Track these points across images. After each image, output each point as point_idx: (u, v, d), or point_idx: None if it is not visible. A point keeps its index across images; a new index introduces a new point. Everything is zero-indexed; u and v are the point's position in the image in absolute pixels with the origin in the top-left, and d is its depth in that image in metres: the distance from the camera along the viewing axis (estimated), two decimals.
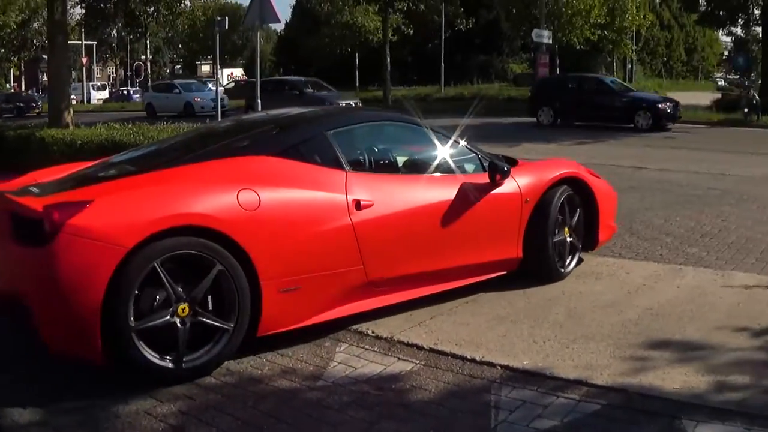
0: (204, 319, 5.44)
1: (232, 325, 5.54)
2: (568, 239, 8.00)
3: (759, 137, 27.43)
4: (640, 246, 9.64)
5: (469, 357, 5.78)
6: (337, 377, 5.50)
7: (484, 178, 7.26)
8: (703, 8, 53.40)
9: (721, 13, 51.62)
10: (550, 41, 40.78)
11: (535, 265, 7.69)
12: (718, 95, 47.47)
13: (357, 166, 6.77)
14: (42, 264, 5.10)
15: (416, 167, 7.34)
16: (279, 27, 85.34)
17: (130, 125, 15.49)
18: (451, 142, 7.50)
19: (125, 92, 69.87)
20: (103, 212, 5.21)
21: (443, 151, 7.39)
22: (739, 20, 53.40)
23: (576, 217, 8.09)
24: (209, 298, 5.50)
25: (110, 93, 76.13)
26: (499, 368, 5.58)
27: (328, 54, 65.83)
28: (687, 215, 11.73)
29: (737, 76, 74.72)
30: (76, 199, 5.32)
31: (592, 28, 50.95)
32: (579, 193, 8.10)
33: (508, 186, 7.39)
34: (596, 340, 6.10)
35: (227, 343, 5.53)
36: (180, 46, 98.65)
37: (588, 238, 8.35)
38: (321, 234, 6.07)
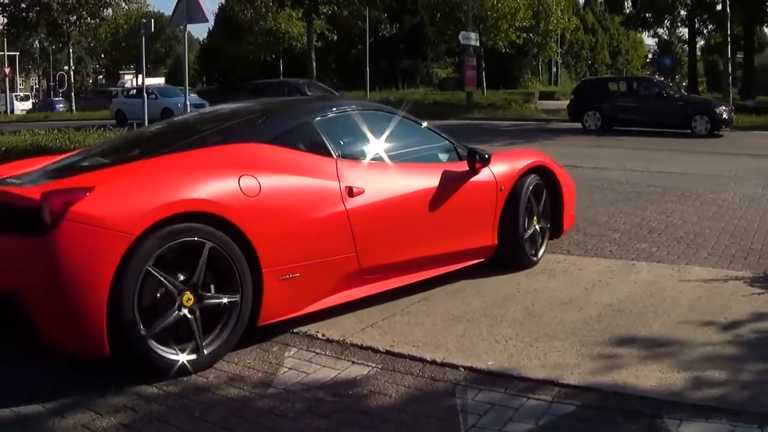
0: (208, 303, 5.35)
1: (235, 318, 5.48)
2: (538, 227, 8.17)
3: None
4: (597, 242, 9.42)
5: (428, 359, 5.42)
6: (289, 384, 5.09)
7: (463, 166, 7.40)
8: (628, 10, 54.12)
9: (647, 14, 52.33)
10: (478, 44, 40.72)
11: (509, 253, 7.84)
12: None
13: (344, 153, 6.72)
14: (42, 254, 4.87)
15: (398, 155, 7.28)
16: (202, 35, 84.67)
17: (55, 131, 14.97)
18: (426, 130, 7.77)
19: (52, 101, 68.74)
20: (106, 199, 5.05)
21: (422, 140, 7.68)
22: (666, 21, 54.23)
23: (542, 205, 8.25)
24: (212, 286, 5.41)
25: (33, 103, 75.08)
26: (463, 370, 5.23)
27: (251, 61, 65.32)
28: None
29: (661, 78, 75.69)
30: (76, 186, 5.12)
31: (517, 32, 51.23)
32: (546, 182, 8.31)
33: (484, 174, 7.53)
34: (560, 339, 5.80)
35: (234, 330, 5.50)
36: (102, 55, 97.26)
37: (553, 227, 8.55)
38: (318, 221, 6.08)
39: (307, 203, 6.06)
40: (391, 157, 7.14)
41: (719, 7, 46.20)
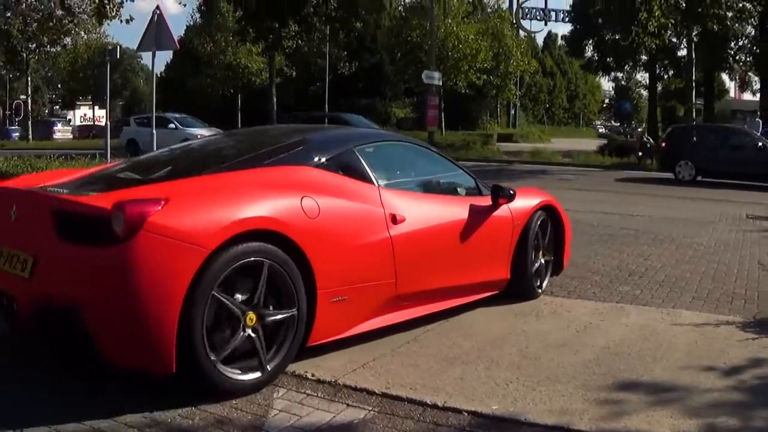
0: (255, 335, 5.27)
1: (291, 336, 5.52)
2: (543, 260, 8.47)
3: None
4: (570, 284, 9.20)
5: (429, 402, 5.16)
6: (281, 427, 4.78)
7: (487, 201, 7.68)
8: (589, 54, 54.49)
9: (608, 59, 52.68)
10: (440, 83, 40.70)
11: (517, 285, 8.05)
12: (600, 141, 48.07)
13: (384, 182, 6.78)
14: (114, 265, 4.74)
15: (430, 187, 7.64)
16: (159, 68, 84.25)
17: (14, 158, 14.72)
18: (451, 164, 8.11)
19: (8, 130, 67.86)
20: (181, 211, 4.98)
21: (449, 173, 7.98)
22: (626, 66, 54.64)
23: (548, 240, 8.58)
24: (271, 305, 5.40)
25: None
26: (467, 414, 4.98)
27: (210, 95, 64.93)
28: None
29: (617, 123, 76.20)
30: (151, 197, 5.02)
31: (477, 73, 51.36)
32: (551, 219, 8.67)
33: (503, 210, 7.78)
34: (562, 383, 5.59)
35: (286, 354, 5.51)
36: (60, 85, 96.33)
37: (555, 261, 8.83)
38: (366, 246, 6.18)
39: (358, 228, 6.16)
40: (424, 188, 7.51)
41: (681, 53, 46.79)
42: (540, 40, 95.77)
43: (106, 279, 4.74)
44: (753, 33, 48.78)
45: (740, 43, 49.97)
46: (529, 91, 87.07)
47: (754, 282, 9.71)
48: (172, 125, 37.30)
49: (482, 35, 52.93)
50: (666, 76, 56.47)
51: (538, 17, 57.80)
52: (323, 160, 6.40)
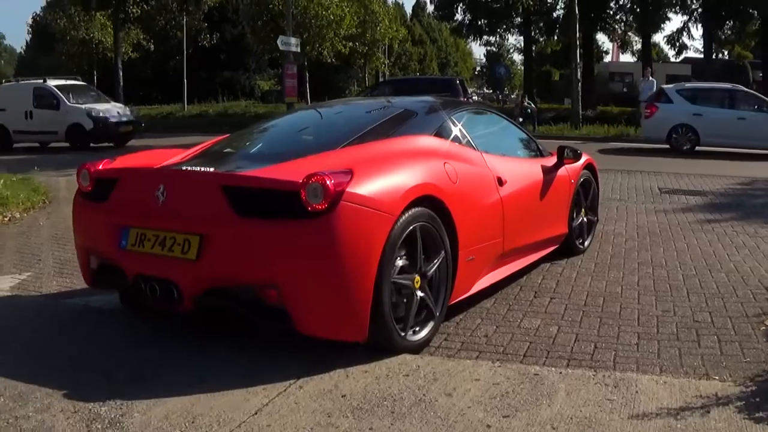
0: (426, 292, 5.41)
1: (443, 297, 5.61)
2: (585, 218, 8.85)
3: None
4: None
5: None
6: None
7: (553, 161, 8.05)
8: (460, 18, 52.23)
9: (479, 22, 50.54)
10: (298, 49, 37.38)
11: (565, 241, 8.34)
12: None
13: (482, 147, 6.85)
14: (317, 238, 4.74)
15: (512, 150, 7.85)
16: (20, 46, 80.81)
17: None
18: (520, 129, 8.57)
19: None
20: (366, 181, 5.01)
21: (520, 137, 8.35)
22: (499, 29, 52.58)
23: (590, 199, 9.02)
24: (429, 267, 5.46)
25: None
26: None
27: (65, 72, 60.71)
28: None
29: (490, 90, 74.69)
30: (340, 168, 5.01)
31: (343, 41, 48.35)
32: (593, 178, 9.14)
33: (563, 169, 8.15)
34: None
35: (439, 316, 5.57)
36: None
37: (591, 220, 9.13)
38: (486, 207, 6.36)
39: (481, 191, 6.34)
40: (509, 151, 7.69)
41: (557, 13, 44.87)
42: (408, 8, 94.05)
43: (309, 253, 4.75)
44: None
45: (621, 2, 47.78)
46: (399, 59, 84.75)
47: (717, 297, 6.85)
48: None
49: (347, 1, 49.98)
50: (542, 39, 54.20)
51: None
52: (436, 129, 6.52)
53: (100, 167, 5.92)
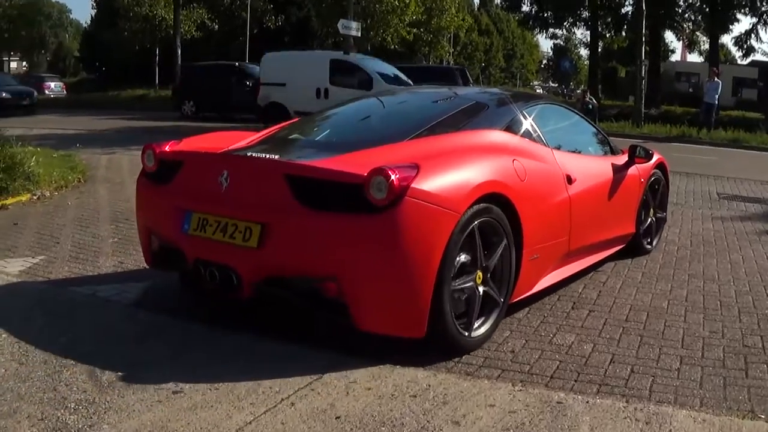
0: (488, 289, 5.39)
1: (503, 296, 5.57)
2: (654, 218, 8.80)
3: None
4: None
5: None
6: None
7: (623, 159, 7.96)
8: (526, 9, 51.54)
9: (546, 14, 49.83)
10: (359, 34, 36.96)
11: (633, 241, 8.26)
12: None
13: (553, 143, 6.76)
14: (381, 233, 4.71)
15: (583, 147, 7.70)
16: (84, 21, 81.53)
17: None
18: (592, 125, 8.34)
19: None
20: (432, 177, 4.93)
21: (591, 133, 8.19)
22: (566, 23, 51.81)
23: (659, 198, 8.96)
24: (491, 265, 5.41)
25: None
26: None
27: (129, 49, 60.76)
28: None
29: (555, 84, 74.23)
30: (405, 163, 4.94)
31: (407, 28, 47.88)
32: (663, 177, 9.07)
33: (634, 168, 8.03)
34: None
35: (498, 314, 5.53)
36: None
37: (660, 218, 9.13)
38: (554, 206, 6.26)
39: (550, 189, 6.26)
40: (581, 148, 7.57)
41: (625, 9, 44.09)
42: None
43: (371, 248, 4.73)
44: None
45: (690, 0, 46.67)
46: (465, 49, 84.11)
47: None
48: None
49: None
50: (608, 34, 53.23)
51: None
52: (506, 123, 6.40)
53: (166, 148, 5.91)
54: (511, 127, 6.37)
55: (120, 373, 4.53)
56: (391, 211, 4.65)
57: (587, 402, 4.29)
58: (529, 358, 5.15)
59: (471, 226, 5.04)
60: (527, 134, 6.48)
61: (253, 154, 5.49)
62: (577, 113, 8.20)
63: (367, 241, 4.70)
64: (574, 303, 6.50)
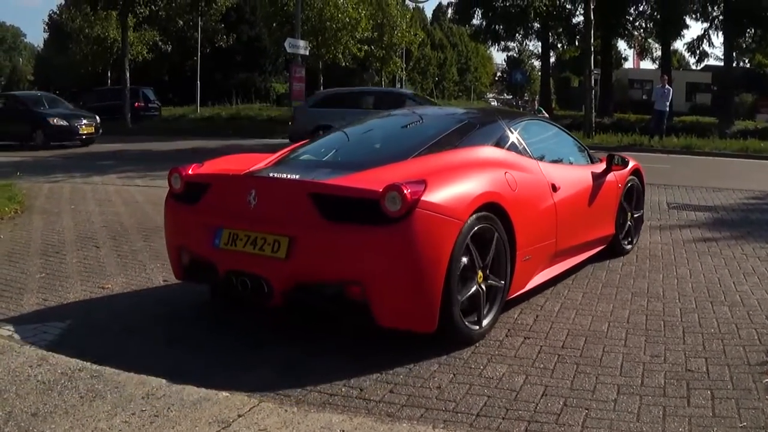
0: (489, 282, 6.03)
1: (501, 294, 6.18)
2: (632, 219, 9.49)
3: None
4: None
5: None
6: None
7: (602, 167, 8.68)
8: (478, 22, 51.60)
9: (497, 27, 49.90)
10: (307, 52, 36.64)
11: (613, 241, 8.97)
12: None
13: (537, 155, 7.47)
14: (396, 241, 5.28)
15: (565, 157, 8.42)
16: (38, 44, 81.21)
17: None
18: (571, 137, 9.07)
19: None
20: (438, 190, 5.54)
21: (571, 144, 8.91)
22: (517, 35, 51.91)
23: (635, 201, 9.58)
24: (489, 266, 6.03)
25: None
26: None
27: (80, 72, 60.03)
28: None
29: (509, 96, 74.43)
30: (415, 178, 5.56)
31: (358, 44, 47.58)
32: (638, 182, 9.75)
33: (611, 174, 8.74)
34: None
35: (496, 312, 6.12)
36: None
37: (638, 219, 9.86)
38: (542, 212, 6.94)
39: (537, 197, 6.93)
40: (562, 158, 8.30)
41: (576, 20, 44.13)
42: (429, 11, 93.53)
43: (389, 254, 5.31)
44: None
45: (640, 8, 46.98)
46: (418, 64, 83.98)
47: (717, 338, 6.03)
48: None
49: (363, 3, 49.13)
50: (560, 45, 53.44)
51: None
52: (495, 139, 7.12)
53: (191, 171, 6.48)
54: (500, 143, 7.11)
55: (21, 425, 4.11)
56: (405, 222, 5.27)
57: None
58: (455, 395, 4.80)
59: (472, 232, 5.67)
60: (514, 147, 7.20)
61: (278, 175, 6.12)
62: (557, 126, 8.94)
63: (385, 248, 5.31)
64: (509, 330, 6.18)
